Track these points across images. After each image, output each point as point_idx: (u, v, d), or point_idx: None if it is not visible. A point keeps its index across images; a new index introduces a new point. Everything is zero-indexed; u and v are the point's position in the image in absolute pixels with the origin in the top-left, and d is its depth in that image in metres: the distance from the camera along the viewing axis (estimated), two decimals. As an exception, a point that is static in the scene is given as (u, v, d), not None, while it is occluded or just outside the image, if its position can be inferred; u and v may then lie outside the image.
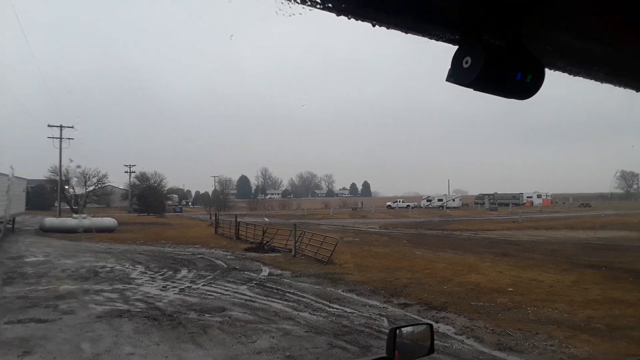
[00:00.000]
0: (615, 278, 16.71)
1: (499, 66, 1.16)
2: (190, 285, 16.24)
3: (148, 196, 74.06)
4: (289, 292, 15.00)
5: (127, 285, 16.30)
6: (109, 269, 19.93)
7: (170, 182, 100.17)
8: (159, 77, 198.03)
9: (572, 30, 1.23)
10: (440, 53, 1.26)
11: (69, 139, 55.31)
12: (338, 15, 1.13)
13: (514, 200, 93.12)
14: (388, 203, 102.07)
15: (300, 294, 14.82)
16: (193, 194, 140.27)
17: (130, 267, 20.54)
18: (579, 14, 1.17)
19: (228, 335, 10.42)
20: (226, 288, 15.72)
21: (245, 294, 14.78)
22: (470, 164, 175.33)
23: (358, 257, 22.89)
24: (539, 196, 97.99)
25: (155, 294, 14.78)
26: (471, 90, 1.21)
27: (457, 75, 1.19)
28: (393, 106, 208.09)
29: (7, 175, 33.61)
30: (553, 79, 1.31)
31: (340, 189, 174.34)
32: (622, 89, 1.52)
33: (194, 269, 19.86)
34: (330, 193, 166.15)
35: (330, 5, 1.08)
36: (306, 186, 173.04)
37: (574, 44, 1.29)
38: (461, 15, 1.15)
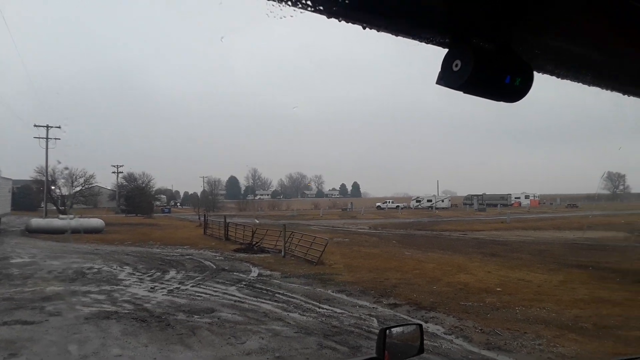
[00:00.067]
0: (602, 278, 16.91)
1: (488, 69, 1.17)
2: (178, 286, 16.15)
3: (136, 197, 73.47)
4: (279, 293, 14.97)
5: (114, 286, 16.16)
6: (96, 270, 19.74)
7: (159, 183, 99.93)
8: (147, 77, 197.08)
9: (560, 34, 1.25)
10: (431, 56, 1.26)
11: (55, 139, 54.77)
12: (329, 17, 1.13)
13: (502, 201, 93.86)
14: (378, 204, 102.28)
15: (290, 294, 14.80)
16: (182, 194, 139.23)
17: (118, 268, 20.36)
18: (566, 18, 1.18)
19: (217, 336, 10.37)
20: (215, 289, 15.65)
21: (234, 295, 14.72)
22: (459, 165, 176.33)
23: (348, 257, 22.91)
24: (526, 197, 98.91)
25: (143, 295, 14.66)
26: (461, 93, 1.22)
27: (447, 78, 1.19)
28: (383, 108, 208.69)
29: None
30: (542, 82, 1.32)
31: (329, 190, 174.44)
32: (609, 92, 1.54)
33: (183, 270, 19.74)
34: (320, 194, 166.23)
35: (321, 7, 1.08)
36: (296, 187, 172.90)
37: (562, 48, 1.30)
38: (451, 18, 1.16)
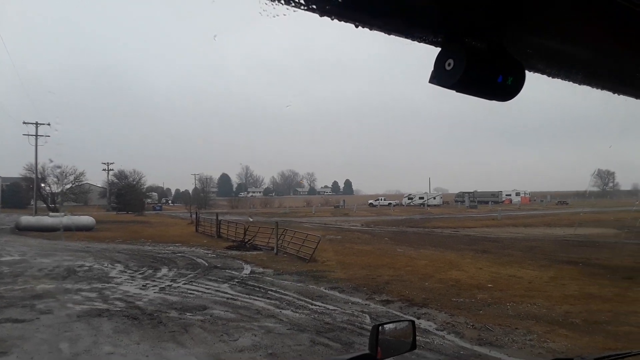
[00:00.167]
0: (592, 274, 17.06)
1: (480, 69, 1.18)
2: (170, 283, 16.10)
3: (127, 194, 73.17)
4: (271, 290, 14.98)
5: (106, 284, 16.08)
6: (87, 268, 19.64)
7: (150, 180, 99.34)
8: (139, 75, 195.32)
9: (551, 33, 1.26)
10: (424, 55, 1.27)
11: (45, 136, 54.36)
12: (321, 16, 1.13)
13: (493, 198, 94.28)
14: (370, 201, 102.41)
15: (283, 291, 14.81)
16: (173, 192, 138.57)
17: (109, 266, 20.27)
18: (558, 18, 1.19)
19: (210, 333, 10.36)
20: (207, 286, 15.62)
21: (227, 292, 14.70)
22: (451, 163, 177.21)
23: (340, 254, 22.95)
24: (517, 194, 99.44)
25: (135, 293, 14.61)
26: (454, 91, 1.22)
27: (440, 77, 1.20)
28: (376, 105, 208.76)
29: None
30: (533, 80, 1.33)
31: (322, 187, 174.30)
32: (599, 90, 1.55)
33: (175, 268, 19.69)
34: (312, 191, 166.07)
35: (314, 6, 1.08)
36: (288, 184, 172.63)
37: (554, 47, 1.31)
38: (443, 18, 1.16)
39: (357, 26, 1.17)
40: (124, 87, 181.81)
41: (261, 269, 19.40)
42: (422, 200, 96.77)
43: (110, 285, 15.93)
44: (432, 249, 25.55)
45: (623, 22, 1.20)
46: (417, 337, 2.80)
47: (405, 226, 44.89)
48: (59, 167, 65.91)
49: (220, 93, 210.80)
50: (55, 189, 68.48)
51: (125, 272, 18.74)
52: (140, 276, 17.71)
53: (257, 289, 15.29)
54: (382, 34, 1.20)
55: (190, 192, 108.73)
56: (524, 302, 13.11)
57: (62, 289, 15.26)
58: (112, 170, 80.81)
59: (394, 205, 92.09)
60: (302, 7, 1.09)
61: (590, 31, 1.25)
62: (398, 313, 12.31)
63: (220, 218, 35.91)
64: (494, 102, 1.30)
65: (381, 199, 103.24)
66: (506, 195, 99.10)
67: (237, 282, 16.51)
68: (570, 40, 1.29)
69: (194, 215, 45.54)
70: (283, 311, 12.36)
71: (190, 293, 14.59)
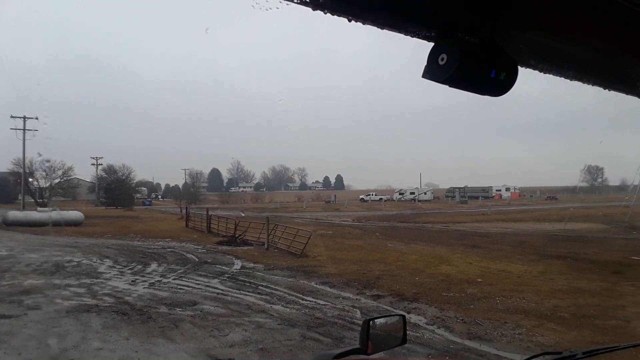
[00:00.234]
0: (580, 269, 17.25)
1: (474, 64, 1.18)
2: (160, 279, 16.04)
3: (116, 189, 72.56)
4: (262, 285, 14.97)
5: (94, 279, 15.98)
6: (75, 263, 19.50)
7: (139, 175, 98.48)
8: (128, 68, 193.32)
9: (543, 29, 1.26)
10: (417, 49, 1.26)
11: (33, 130, 53.70)
12: (314, 9, 1.12)
13: (483, 194, 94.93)
14: (361, 196, 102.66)
15: (273, 286, 14.82)
16: (163, 187, 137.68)
17: (98, 261, 20.13)
18: (550, 13, 1.20)
19: (200, 329, 10.34)
20: (197, 282, 15.58)
21: (217, 288, 14.68)
22: (441, 158, 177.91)
23: (331, 249, 22.98)
24: (507, 189, 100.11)
25: (124, 289, 14.53)
26: (446, 86, 1.22)
27: (433, 72, 1.20)
28: (367, 100, 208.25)
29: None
30: (525, 76, 1.34)
31: (313, 182, 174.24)
32: (590, 86, 1.56)
33: (164, 263, 19.61)
34: (304, 186, 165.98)
35: (307, 0, 1.07)
36: (279, 179, 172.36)
37: (546, 43, 1.31)
38: (436, 12, 1.16)
39: (350, 20, 1.17)
40: (113, 80, 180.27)
41: (252, 264, 19.38)
42: (413, 196, 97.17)
43: (99, 280, 15.83)
44: (423, 244, 25.67)
45: (614, 18, 1.21)
46: (408, 332, 2.81)
47: (396, 221, 45.07)
48: (47, 161, 65.16)
49: (211, 87, 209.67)
50: (43, 183, 67.64)
51: (115, 267, 18.63)
52: (129, 271, 17.61)
53: (248, 284, 15.28)
54: (375, 28, 1.19)
55: (181, 187, 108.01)
56: (513, 296, 13.23)
57: (50, 284, 15.14)
58: (101, 164, 79.91)
59: (385, 201, 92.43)
60: (295, 1, 1.08)
61: (581, 27, 1.26)
62: (389, 308, 12.36)
63: (210, 213, 35.78)
64: (485, 97, 1.30)
65: (372, 194, 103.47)
66: (496, 190, 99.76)
67: (228, 277, 16.48)
68: (561, 36, 1.29)
69: (184, 210, 45.34)
70: (274, 306, 12.37)
71: (180, 288, 14.54)
